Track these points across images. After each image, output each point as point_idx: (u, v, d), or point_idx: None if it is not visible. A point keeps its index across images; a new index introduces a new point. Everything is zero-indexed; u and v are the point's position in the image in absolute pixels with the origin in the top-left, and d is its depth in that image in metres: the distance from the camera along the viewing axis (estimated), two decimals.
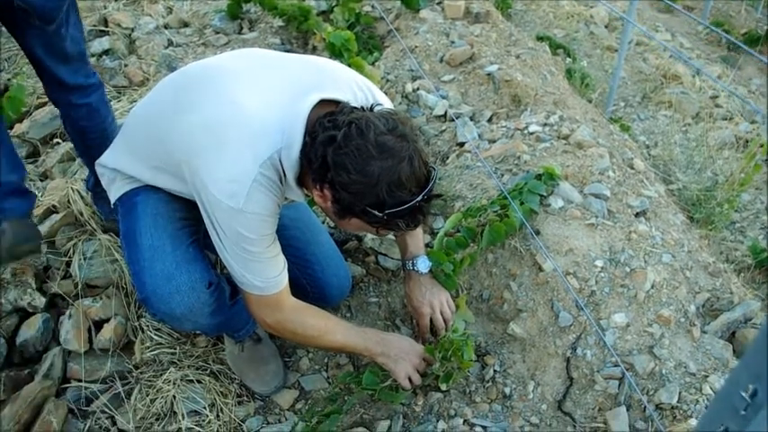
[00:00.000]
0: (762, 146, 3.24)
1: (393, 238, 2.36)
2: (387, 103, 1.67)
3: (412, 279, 2.05)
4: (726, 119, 4.35)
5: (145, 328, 2.12)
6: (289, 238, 2.00)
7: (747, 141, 3.92)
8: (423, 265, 2.04)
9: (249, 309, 1.74)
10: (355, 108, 1.49)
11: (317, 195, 1.50)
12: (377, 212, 1.41)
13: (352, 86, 1.63)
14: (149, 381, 2.02)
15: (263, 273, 1.64)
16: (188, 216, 1.76)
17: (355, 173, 1.38)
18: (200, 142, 1.52)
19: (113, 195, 1.82)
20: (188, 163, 1.54)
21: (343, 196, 1.42)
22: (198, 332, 2.13)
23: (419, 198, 1.42)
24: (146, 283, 1.65)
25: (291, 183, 1.55)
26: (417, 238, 2.07)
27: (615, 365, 1.91)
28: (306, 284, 2.06)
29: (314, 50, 3.81)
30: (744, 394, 0.70)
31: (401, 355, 1.88)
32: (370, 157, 1.37)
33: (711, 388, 1.85)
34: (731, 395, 0.72)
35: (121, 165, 1.78)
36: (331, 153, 1.39)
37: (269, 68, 1.64)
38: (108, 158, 1.82)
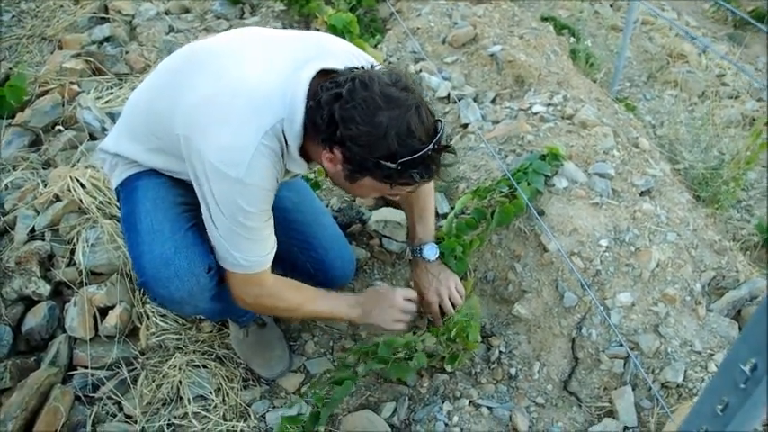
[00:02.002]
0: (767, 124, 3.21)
1: (402, 221, 2.35)
2: None
3: (419, 266, 2.04)
4: (732, 97, 4.30)
5: (150, 314, 2.12)
6: (292, 221, 2.00)
7: (754, 120, 3.88)
8: (430, 252, 2.02)
9: (232, 289, 1.72)
10: (355, 67, 1.48)
11: (326, 160, 1.48)
12: (390, 164, 1.39)
13: (350, 58, 1.61)
14: (155, 366, 2.03)
15: (252, 251, 1.62)
16: (189, 201, 1.76)
17: (364, 124, 1.37)
18: (200, 117, 1.51)
19: (115, 181, 1.82)
20: (187, 138, 1.52)
21: (354, 152, 1.41)
22: (201, 317, 2.14)
23: (430, 147, 1.41)
24: (145, 267, 1.65)
25: (294, 153, 1.54)
26: (427, 223, 2.05)
27: (620, 345, 1.91)
28: (310, 267, 2.06)
29: None
30: (744, 368, 0.70)
31: (377, 309, 1.88)
32: (377, 108, 1.37)
33: (717, 366, 1.84)
34: (731, 369, 0.72)
35: (122, 149, 1.77)
36: (338, 109, 1.39)
37: (267, 44, 1.63)
38: (109, 143, 1.81)
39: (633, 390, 1.86)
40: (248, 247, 1.61)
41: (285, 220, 2.01)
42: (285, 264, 2.12)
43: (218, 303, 1.81)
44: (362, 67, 1.48)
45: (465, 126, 2.86)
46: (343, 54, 1.62)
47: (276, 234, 2.02)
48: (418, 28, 3.57)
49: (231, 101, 1.50)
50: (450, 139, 2.87)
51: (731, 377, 0.72)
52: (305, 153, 1.57)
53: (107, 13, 3.88)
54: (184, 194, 1.76)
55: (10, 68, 3.30)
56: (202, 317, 2.13)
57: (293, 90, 1.49)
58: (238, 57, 1.59)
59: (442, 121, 1.47)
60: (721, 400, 0.75)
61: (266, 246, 1.66)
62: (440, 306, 2.03)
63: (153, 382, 1.98)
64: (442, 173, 1.53)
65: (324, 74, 1.51)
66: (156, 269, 1.63)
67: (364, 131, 1.38)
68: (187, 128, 1.53)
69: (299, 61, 1.54)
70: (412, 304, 1.94)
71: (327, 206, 2.56)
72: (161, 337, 2.09)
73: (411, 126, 1.38)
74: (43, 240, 2.28)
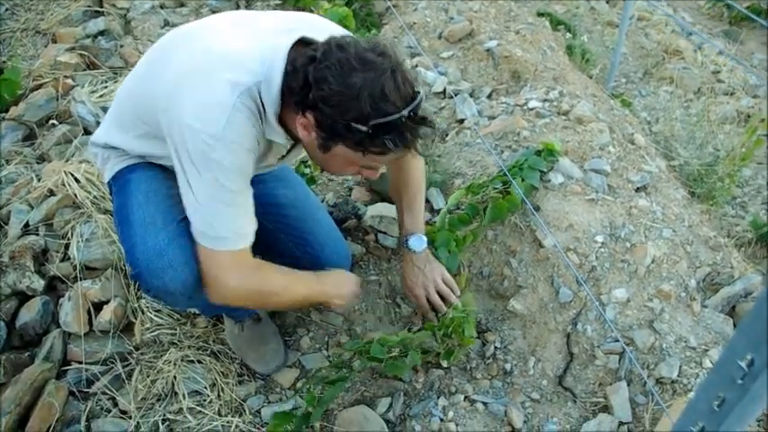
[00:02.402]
0: (763, 120, 3.21)
1: (393, 215, 2.35)
2: None
3: (405, 259, 2.03)
4: (727, 94, 4.31)
5: (144, 309, 2.12)
6: (286, 216, 1.99)
7: (749, 116, 3.88)
8: (416, 243, 2.00)
9: (210, 274, 1.59)
10: (334, 35, 1.46)
11: (300, 126, 1.45)
12: (361, 127, 1.35)
13: (332, 32, 1.57)
14: (150, 362, 2.02)
15: (235, 221, 1.55)
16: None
17: (336, 84, 1.34)
18: (177, 87, 1.48)
19: (107, 174, 1.80)
20: (166, 110, 1.49)
21: (326, 113, 1.37)
22: (196, 312, 2.13)
23: (404, 113, 1.37)
24: (138, 259, 1.62)
25: (271, 119, 1.50)
26: (416, 214, 2.03)
27: (615, 341, 1.91)
28: (305, 263, 2.05)
29: None
30: (741, 363, 0.69)
31: (344, 289, 1.89)
32: (351, 69, 1.35)
33: (712, 362, 1.85)
34: (728, 365, 0.72)
35: (112, 139, 1.75)
36: (312, 70, 1.36)
37: (246, 20, 1.62)
38: (99, 135, 1.80)
39: (628, 385, 1.86)
40: (230, 217, 1.54)
41: (280, 215, 2.00)
42: (282, 259, 2.11)
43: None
44: (342, 36, 1.46)
45: (461, 121, 2.86)
46: (326, 29, 1.59)
47: (272, 230, 2.02)
48: (414, 23, 3.57)
49: (206, 63, 1.48)
50: (446, 135, 2.87)
51: (728, 373, 0.72)
52: (284, 123, 1.53)
53: (102, 7, 3.86)
54: (177, 186, 1.75)
55: (4, 62, 3.28)
56: (197, 311, 2.12)
57: (272, 55, 1.46)
58: (214, 30, 1.58)
59: (420, 91, 1.43)
60: (718, 395, 0.75)
61: (249, 218, 1.59)
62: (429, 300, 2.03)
63: (147, 377, 1.97)
64: (419, 145, 1.47)
65: (304, 44, 1.48)
66: (150, 260, 1.60)
67: (336, 92, 1.35)
68: (166, 101, 1.50)
69: (280, 31, 1.51)
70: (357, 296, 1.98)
71: (323, 201, 2.56)
72: (155, 333, 2.08)
73: (385, 89, 1.35)
74: (37, 235, 2.27)
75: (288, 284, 1.74)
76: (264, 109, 1.49)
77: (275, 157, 1.70)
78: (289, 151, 1.73)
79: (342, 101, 1.35)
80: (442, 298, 2.03)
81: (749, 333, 0.69)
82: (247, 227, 1.58)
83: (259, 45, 1.48)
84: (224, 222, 1.53)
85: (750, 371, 0.69)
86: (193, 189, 1.50)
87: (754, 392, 0.70)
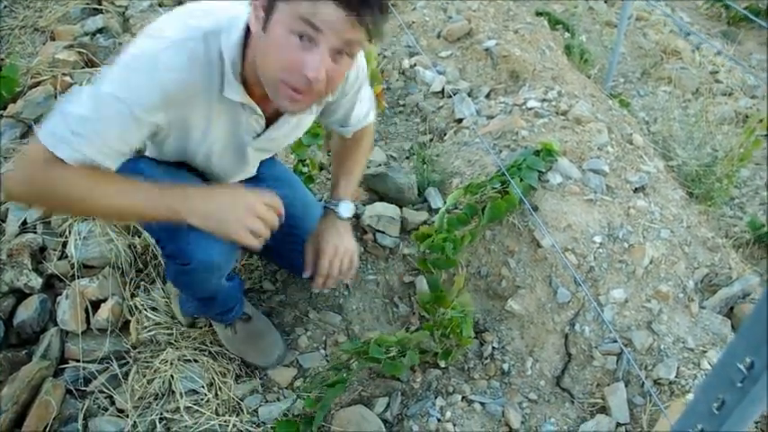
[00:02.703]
0: (761, 121, 3.21)
1: (395, 216, 2.35)
2: None
3: (328, 219, 1.91)
4: (725, 94, 4.32)
5: (141, 307, 2.11)
6: (284, 215, 1.99)
7: (747, 117, 3.89)
8: (345, 209, 1.90)
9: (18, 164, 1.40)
10: None
11: (252, 19, 1.35)
12: None
13: None
14: (147, 361, 2.02)
15: (96, 135, 1.34)
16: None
17: None
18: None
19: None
20: None
21: None
22: (193, 311, 2.09)
23: None
24: (184, 230, 1.48)
25: (228, 70, 1.40)
26: (353, 181, 1.95)
27: (613, 341, 1.91)
28: (303, 262, 2.05)
29: None
30: (741, 366, 0.70)
31: (224, 207, 1.48)
32: None
33: (710, 363, 1.85)
34: (728, 367, 0.72)
35: None
36: None
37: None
38: None
39: (626, 386, 1.87)
40: (93, 126, 1.34)
41: None
42: (282, 259, 2.11)
43: (227, 282, 1.80)
44: None
45: (459, 121, 2.86)
46: None
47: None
48: (413, 22, 3.56)
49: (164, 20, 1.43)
50: (444, 134, 2.87)
51: (727, 375, 0.72)
52: (248, 79, 1.45)
53: (100, 5, 3.85)
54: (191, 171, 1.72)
55: (2, 59, 3.27)
56: (201, 301, 2.01)
57: (237, 12, 1.41)
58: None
59: None
60: (717, 398, 0.75)
61: (109, 149, 1.38)
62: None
63: (144, 376, 1.97)
64: (371, 21, 1.30)
65: None
66: (197, 233, 1.48)
67: None
68: None
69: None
70: (273, 214, 1.56)
71: (321, 200, 2.55)
72: (152, 332, 2.08)
73: None
74: (35, 233, 2.26)
75: (94, 186, 1.39)
76: (222, 59, 1.40)
77: (245, 131, 1.59)
78: (265, 130, 1.63)
79: None
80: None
81: (749, 336, 0.69)
82: (95, 153, 1.36)
83: (234, 8, 1.43)
84: (83, 125, 1.34)
85: (750, 374, 0.69)
86: (97, 84, 1.36)
87: (754, 395, 0.70)
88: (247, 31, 1.40)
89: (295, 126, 1.71)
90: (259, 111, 1.53)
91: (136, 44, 1.38)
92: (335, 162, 2.03)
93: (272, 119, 1.61)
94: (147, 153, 1.72)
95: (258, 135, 1.62)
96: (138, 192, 1.42)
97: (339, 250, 1.87)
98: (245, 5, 1.41)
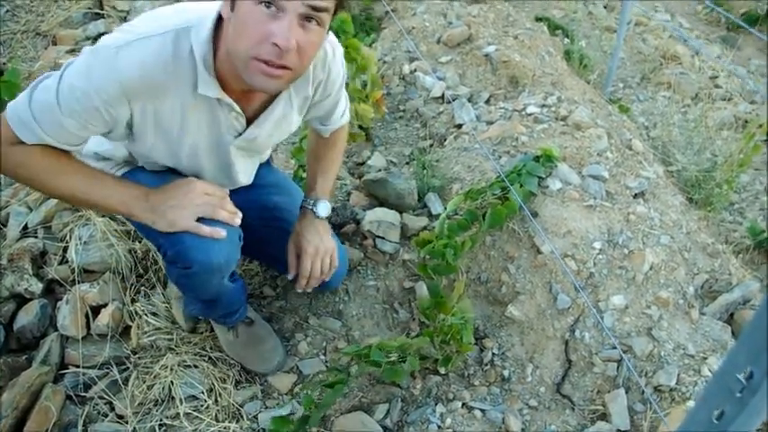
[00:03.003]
0: (761, 126, 3.21)
1: (395, 221, 2.35)
2: None
3: (306, 219, 1.93)
4: (725, 99, 4.32)
5: (141, 312, 2.11)
6: (282, 221, 1.99)
7: (747, 122, 3.89)
8: (323, 208, 1.93)
9: None
10: None
11: (222, 6, 1.38)
12: None
13: None
14: (147, 366, 2.02)
15: (51, 120, 1.38)
16: None
17: None
18: None
19: None
20: None
21: None
22: (201, 311, 2.07)
23: None
24: (182, 234, 1.54)
25: (200, 66, 1.41)
26: (329, 181, 1.98)
27: (613, 348, 1.91)
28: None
29: None
30: (740, 376, 0.70)
31: (173, 201, 1.55)
32: None
33: (710, 370, 1.85)
34: (727, 377, 0.72)
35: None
36: None
37: None
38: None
39: (626, 393, 1.87)
40: (53, 113, 1.38)
41: (276, 220, 2.00)
42: (281, 264, 2.11)
43: (230, 283, 1.79)
44: None
45: (459, 126, 2.86)
46: None
47: (267, 235, 2.01)
48: (413, 27, 3.57)
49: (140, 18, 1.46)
50: (444, 139, 2.87)
51: (727, 385, 0.72)
52: (222, 74, 1.45)
53: (102, 9, 3.86)
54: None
55: (4, 63, 3.27)
56: (204, 303, 2.00)
57: (209, 8, 1.42)
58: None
59: None
60: (717, 408, 0.75)
61: (68, 135, 1.43)
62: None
63: (144, 382, 1.97)
64: None
65: None
66: (195, 235, 1.55)
67: None
68: None
69: None
70: (220, 192, 1.62)
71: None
72: (153, 337, 2.08)
73: None
74: (36, 237, 2.27)
75: (58, 172, 1.48)
76: (194, 54, 1.41)
77: (226, 130, 1.59)
78: (246, 128, 1.63)
79: None
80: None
81: (748, 345, 0.69)
82: (53, 140, 1.43)
83: (207, 7, 1.44)
84: (44, 119, 1.39)
85: (749, 384, 0.69)
86: (60, 73, 1.39)
87: (754, 406, 0.70)
88: (217, 25, 1.41)
89: (277, 124, 1.69)
90: (237, 108, 1.54)
91: (106, 37, 1.40)
92: (311, 161, 2.03)
93: (252, 118, 1.61)
94: (139, 161, 1.72)
95: (239, 134, 1.62)
96: (96, 183, 1.52)
97: (320, 250, 1.91)
98: (217, 5, 1.42)
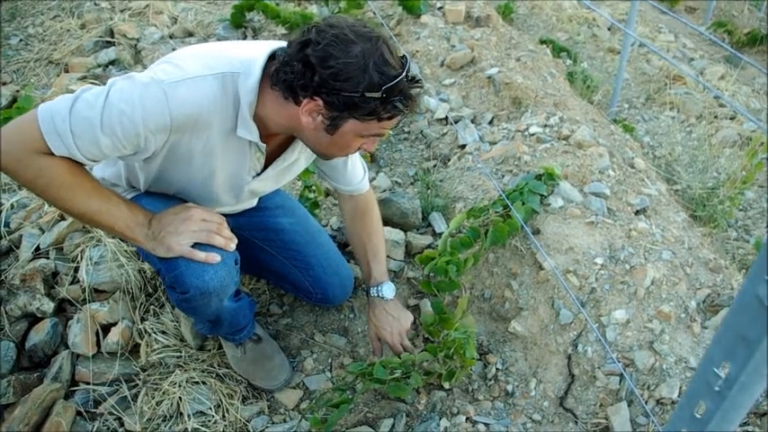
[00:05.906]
0: (763, 143, 3.24)
1: (400, 240, 2.38)
2: None
3: (377, 306, 2.03)
4: (729, 118, 4.36)
5: (150, 331, 2.15)
6: (289, 241, 2.03)
7: (750, 139, 3.92)
8: (388, 291, 2.03)
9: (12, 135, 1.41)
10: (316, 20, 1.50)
11: (305, 114, 1.45)
12: (374, 94, 1.39)
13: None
14: (156, 383, 2.05)
15: (85, 132, 1.39)
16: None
17: (343, 57, 1.36)
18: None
19: None
20: None
21: (337, 88, 1.38)
22: (206, 330, 2.11)
23: (404, 73, 1.41)
24: (178, 259, 1.58)
25: (245, 111, 1.48)
26: (382, 263, 2.07)
27: (616, 361, 1.92)
28: (308, 286, 2.09)
29: None
30: (717, 371, 0.72)
31: (172, 230, 1.57)
32: (349, 41, 1.37)
33: None
34: (706, 372, 0.75)
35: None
36: (311, 53, 1.37)
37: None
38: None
39: (629, 406, 1.88)
40: (93, 132, 1.39)
41: (283, 240, 2.04)
42: (286, 283, 2.15)
43: (232, 303, 1.82)
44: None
45: (462, 147, 2.90)
46: None
47: (274, 255, 2.05)
48: (417, 51, 3.63)
49: (188, 54, 1.50)
50: (448, 160, 2.91)
51: (705, 380, 0.75)
52: (260, 120, 1.53)
53: (113, 37, 3.95)
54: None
55: (17, 91, 3.35)
56: (209, 322, 2.05)
57: (253, 54, 1.48)
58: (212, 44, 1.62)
59: (406, 55, 1.47)
60: (698, 403, 0.78)
61: (97, 154, 1.44)
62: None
63: (153, 399, 2.00)
64: (418, 102, 1.52)
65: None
66: (189, 260, 1.58)
67: (343, 64, 1.36)
68: None
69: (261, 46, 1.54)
70: (215, 217, 1.63)
71: (326, 226, 2.60)
72: (161, 355, 2.11)
73: (385, 55, 1.39)
74: (48, 258, 2.31)
75: (80, 198, 1.49)
76: (240, 100, 1.48)
77: (248, 170, 1.67)
78: (264, 169, 1.71)
79: (350, 73, 1.37)
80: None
81: (724, 340, 0.72)
82: (89, 152, 1.44)
83: (244, 51, 1.51)
84: (81, 134, 1.40)
85: (726, 378, 0.72)
86: (107, 93, 1.42)
87: (732, 399, 0.72)
88: (263, 76, 1.47)
89: (285, 170, 1.78)
90: (263, 149, 1.62)
91: (159, 68, 1.45)
92: (357, 246, 2.11)
93: (269, 160, 1.69)
94: (141, 185, 1.74)
95: (258, 174, 1.70)
96: (109, 205, 1.53)
97: (395, 331, 2.01)
98: (257, 48, 1.50)
